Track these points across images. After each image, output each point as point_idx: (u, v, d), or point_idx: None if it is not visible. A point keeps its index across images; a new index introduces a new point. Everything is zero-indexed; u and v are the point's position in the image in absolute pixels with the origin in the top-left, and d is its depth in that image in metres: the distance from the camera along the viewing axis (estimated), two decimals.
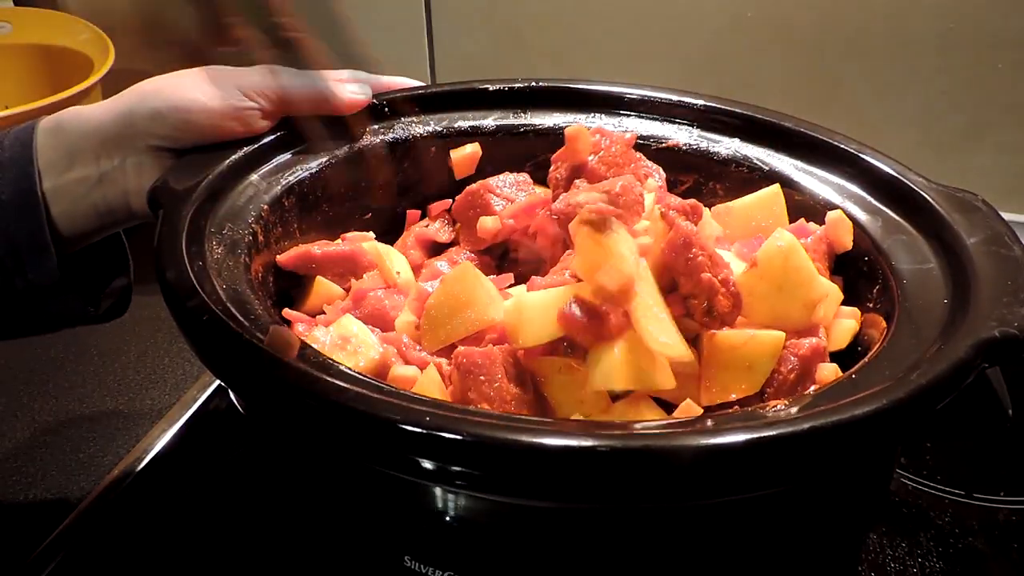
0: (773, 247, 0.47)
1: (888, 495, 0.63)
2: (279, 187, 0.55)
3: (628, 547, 0.40)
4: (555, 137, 0.63)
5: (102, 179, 0.53)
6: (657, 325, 0.43)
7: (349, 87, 0.59)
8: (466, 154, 0.63)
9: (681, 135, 0.62)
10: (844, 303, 0.52)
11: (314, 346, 0.47)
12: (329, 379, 0.37)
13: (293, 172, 0.57)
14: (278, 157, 0.57)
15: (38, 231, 0.51)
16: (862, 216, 0.53)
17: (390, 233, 0.62)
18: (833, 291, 0.51)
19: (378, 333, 0.51)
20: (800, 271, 0.47)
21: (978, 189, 0.51)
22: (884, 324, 0.46)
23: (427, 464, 0.35)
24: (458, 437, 0.34)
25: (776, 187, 0.57)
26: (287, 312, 0.52)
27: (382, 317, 0.52)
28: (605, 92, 0.64)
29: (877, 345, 0.44)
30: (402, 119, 0.63)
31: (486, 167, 0.63)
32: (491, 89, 0.65)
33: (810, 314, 0.47)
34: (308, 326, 0.51)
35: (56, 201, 0.52)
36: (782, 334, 0.46)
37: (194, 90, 0.53)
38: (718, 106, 0.61)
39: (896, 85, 0.93)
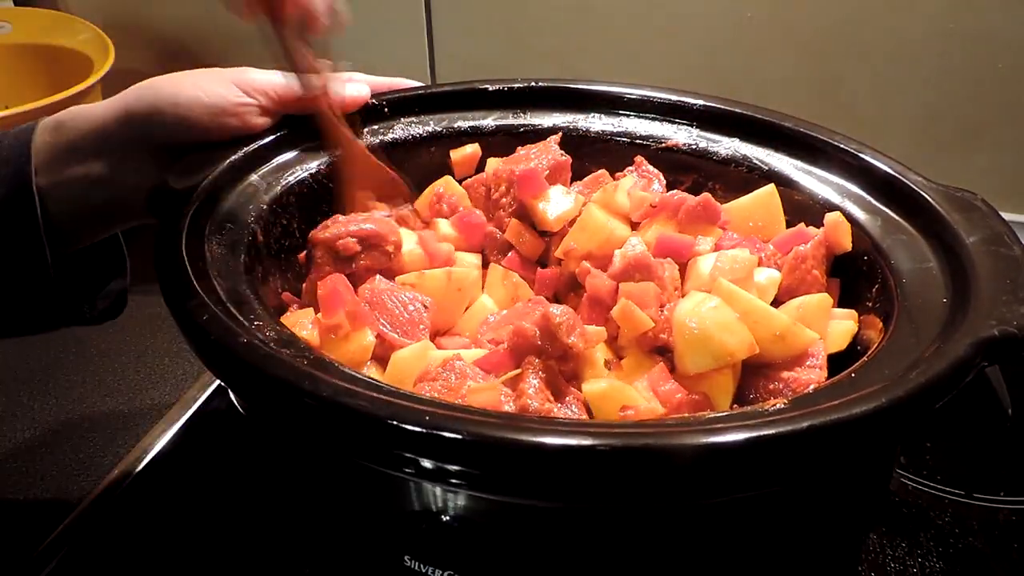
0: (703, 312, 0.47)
1: (888, 495, 0.63)
2: (279, 187, 0.56)
3: (628, 546, 0.40)
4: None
5: (101, 178, 0.53)
6: None
7: (348, 85, 0.59)
8: (466, 154, 0.63)
9: (681, 135, 0.62)
10: (843, 303, 0.52)
11: (303, 333, 0.48)
12: (329, 379, 0.37)
13: (293, 172, 0.57)
14: (278, 157, 0.57)
15: (32, 228, 0.51)
16: (862, 216, 0.53)
17: None
18: (822, 298, 0.50)
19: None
20: (741, 318, 0.46)
21: (978, 189, 0.51)
22: (883, 324, 0.46)
23: (427, 463, 0.35)
24: (458, 436, 0.34)
25: (771, 187, 0.57)
26: (285, 295, 0.53)
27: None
28: (605, 92, 0.64)
29: (877, 344, 0.44)
30: (402, 119, 0.63)
31: (486, 167, 0.63)
32: (491, 89, 0.65)
33: (784, 344, 0.47)
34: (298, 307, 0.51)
35: (53, 200, 0.52)
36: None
37: (193, 88, 0.53)
38: (718, 106, 0.61)
39: (896, 85, 0.93)
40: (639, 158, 0.61)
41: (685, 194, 0.56)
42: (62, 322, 0.56)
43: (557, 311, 0.47)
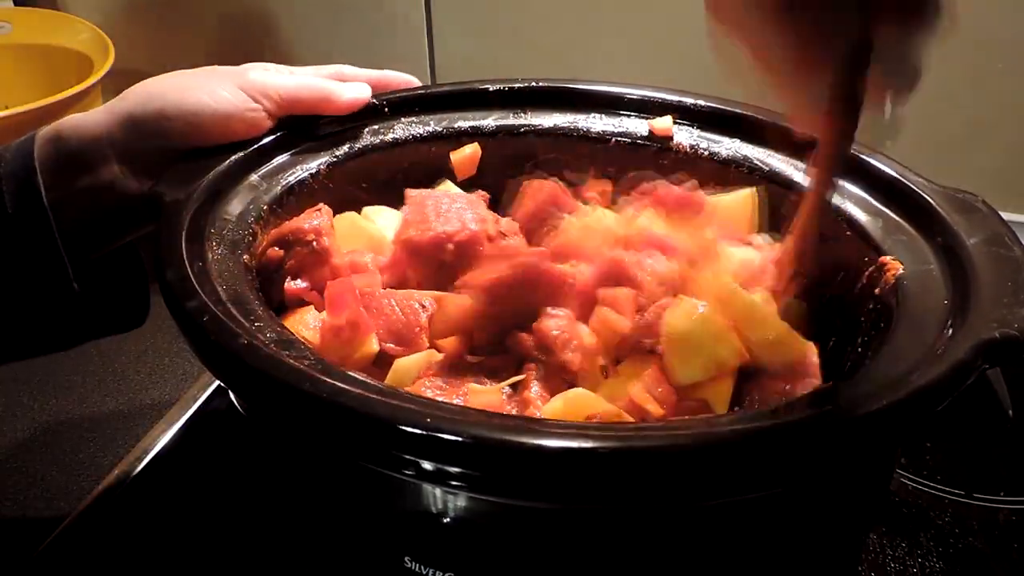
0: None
1: (888, 495, 0.63)
2: (279, 187, 0.55)
3: (628, 547, 0.40)
4: (555, 137, 0.63)
5: (109, 186, 0.53)
6: None
7: (350, 87, 0.59)
8: (466, 155, 0.63)
9: (681, 135, 0.62)
10: (847, 304, 0.52)
11: (304, 332, 0.47)
12: (329, 380, 0.37)
13: (293, 172, 0.57)
14: (278, 157, 0.57)
15: (50, 244, 0.50)
16: (863, 217, 0.53)
17: None
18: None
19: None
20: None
21: (978, 189, 0.51)
22: (883, 326, 0.46)
23: (426, 465, 0.35)
24: (457, 438, 0.34)
25: (753, 190, 0.57)
26: (288, 287, 0.52)
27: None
28: (605, 92, 0.64)
29: (877, 346, 0.44)
30: (402, 119, 0.63)
31: (486, 168, 0.63)
32: (491, 89, 0.65)
33: (777, 350, 0.46)
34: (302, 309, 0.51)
35: (64, 212, 0.51)
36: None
37: (199, 92, 0.53)
38: (719, 106, 0.61)
39: None
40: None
41: (670, 184, 0.57)
42: (88, 335, 0.56)
43: (552, 323, 0.46)
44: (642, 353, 0.48)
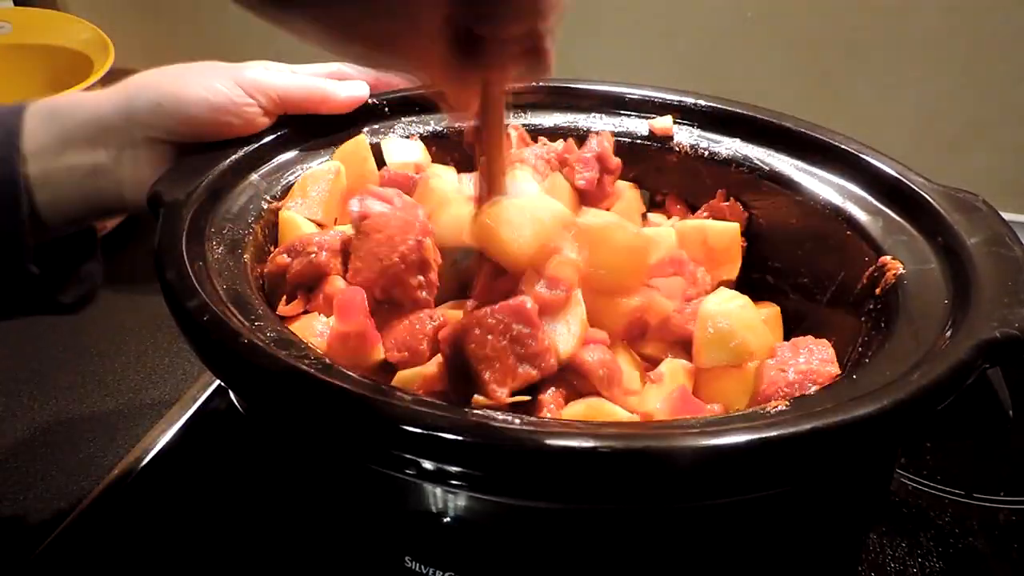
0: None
1: (888, 495, 0.63)
2: (279, 187, 0.56)
3: (628, 547, 0.40)
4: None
5: (95, 169, 0.53)
6: None
7: (346, 85, 0.59)
8: None
9: (681, 135, 0.62)
10: (847, 304, 0.52)
11: (312, 339, 0.47)
12: (329, 380, 0.37)
13: (293, 172, 0.57)
14: (278, 157, 0.57)
15: (16, 219, 0.50)
16: (863, 216, 0.53)
17: None
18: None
19: None
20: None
21: (978, 189, 0.51)
22: (884, 325, 0.46)
23: (427, 465, 0.35)
24: (458, 438, 0.34)
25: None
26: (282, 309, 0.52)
27: None
28: (605, 92, 0.64)
29: (878, 346, 0.44)
30: (402, 119, 0.63)
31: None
32: None
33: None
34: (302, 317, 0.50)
35: (42, 187, 0.51)
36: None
37: (195, 84, 0.53)
38: (718, 106, 0.61)
39: (896, 85, 0.93)
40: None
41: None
42: (33, 310, 0.55)
43: (593, 358, 0.46)
44: (674, 342, 0.51)
